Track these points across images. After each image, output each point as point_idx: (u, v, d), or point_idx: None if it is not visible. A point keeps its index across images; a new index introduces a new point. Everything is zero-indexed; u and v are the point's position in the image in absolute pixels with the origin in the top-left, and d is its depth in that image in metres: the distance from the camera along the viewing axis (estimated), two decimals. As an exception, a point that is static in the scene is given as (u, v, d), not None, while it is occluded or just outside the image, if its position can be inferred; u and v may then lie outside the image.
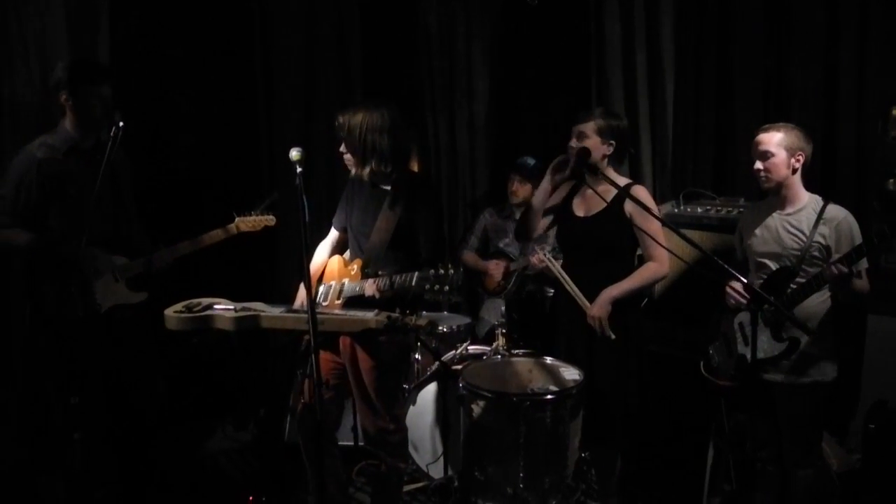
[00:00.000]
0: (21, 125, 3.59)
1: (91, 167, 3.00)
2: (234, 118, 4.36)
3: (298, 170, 2.67)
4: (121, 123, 2.97)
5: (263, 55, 4.44)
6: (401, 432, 3.18)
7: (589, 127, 3.21)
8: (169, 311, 2.80)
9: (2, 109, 3.58)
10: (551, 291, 4.21)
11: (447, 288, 2.75)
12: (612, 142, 3.21)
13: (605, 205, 3.17)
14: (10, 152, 3.38)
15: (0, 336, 3.52)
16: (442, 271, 2.75)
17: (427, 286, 2.77)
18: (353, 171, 3.04)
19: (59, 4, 3.67)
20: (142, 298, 3.30)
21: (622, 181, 3.22)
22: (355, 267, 3.07)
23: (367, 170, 3.00)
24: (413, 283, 2.82)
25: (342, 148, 3.04)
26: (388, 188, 3.09)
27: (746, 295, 2.87)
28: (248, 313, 2.80)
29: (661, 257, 3.16)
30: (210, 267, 3.48)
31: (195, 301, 2.87)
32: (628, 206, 3.14)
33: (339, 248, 3.32)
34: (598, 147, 3.19)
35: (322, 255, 3.32)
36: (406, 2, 4.93)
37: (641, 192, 3.16)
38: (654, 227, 3.11)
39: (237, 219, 3.48)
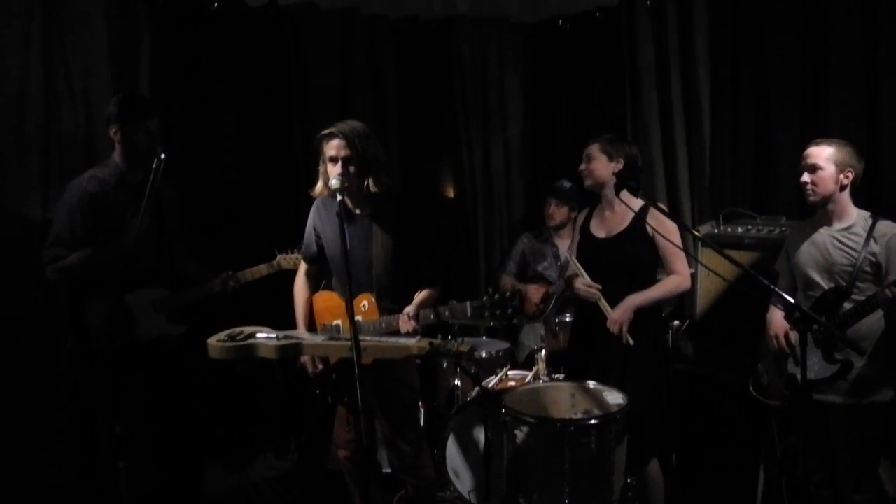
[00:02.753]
0: (67, 162, 3.69)
1: (138, 201, 3.04)
2: (270, 147, 4.40)
3: (339, 198, 2.68)
4: (163, 156, 3.01)
5: (299, 84, 4.49)
6: (421, 455, 3.12)
7: (594, 148, 3.32)
8: (212, 340, 2.81)
9: (49, 147, 3.68)
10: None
11: (510, 311, 2.73)
12: (620, 159, 3.27)
13: (625, 225, 3.23)
14: (57, 188, 3.47)
15: (47, 366, 3.58)
16: (497, 297, 2.73)
17: (486, 314, 2.74)
18: (348, 186, 2.80)
19: (103, 44, 3.79)
20: (181, 331, 3.34)
21: (636, 203, 3.23)
22: (366, 303, 2.97)
23: (369, 182, 2.87)
24: (468, 314, 2.79)
25: (332, 166, 2.86)
26: (369, 212, 2.97)
27: (792, 344, 2.93)
28: (291, 341, 2.80)
29: (684, 271, 3.24)
30: (250, 296, 3.50)
31: (238, 330, 2.88)
32: (650, 224, 3.14)
33: (314, 281, 3.22)
34: (606, 166, 3.28)
35: (305, 293, 3.20)
36: (439, 30, 4.97)
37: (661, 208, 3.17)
38: (676, 240, 3.16)
39: (279, 256, 3.51)
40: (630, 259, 3.24)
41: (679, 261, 3.22)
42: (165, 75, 4.04)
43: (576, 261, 3.39)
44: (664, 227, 3.12)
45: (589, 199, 4.51)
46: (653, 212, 3.14)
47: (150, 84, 3.95)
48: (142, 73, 3.94)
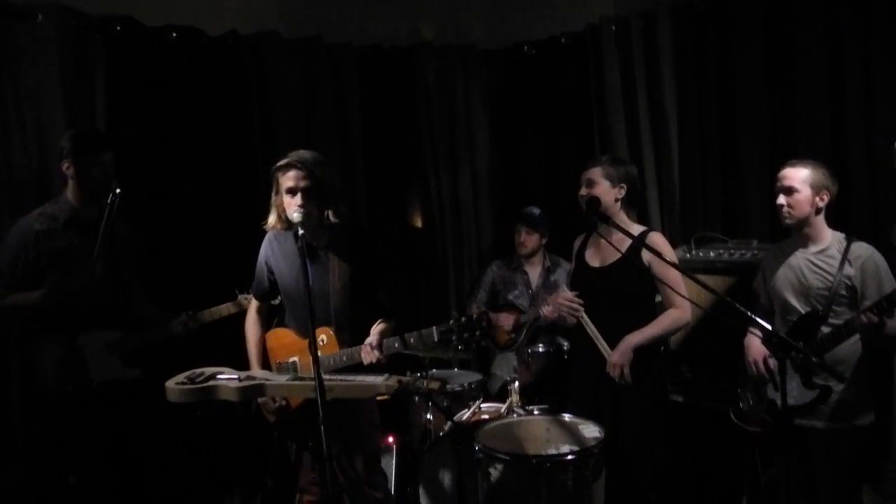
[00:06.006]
0: (17, 197, 3.53)
1: (91, 239, 2.92)
2: (233, 180, 4.25)
3: (300, 232, 2.59)
4: (118, 191, 2.90)
5: (261, 114, 4.38)
6: (388, 499, 3.02)
7: (596, 172, 3.18)
8: (170, 383, 2.68)
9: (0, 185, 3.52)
10: (565, 344, 4.09)
11: (478, 333, 2.63)
12: (623, 185, 3.17)
13: (620, 254, 3.09)
14: (6, 224, 3.31)
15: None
16: (464, 319, 2.64)
17: (453, 338, 2.65)
18: (304, 219, 2.65)
19: (56, 75, 3.64)
20: (135, 375, 3.20)
21: (637, 229, 3.14)
22: (324, 337, 2.86)
23: (329, 213, 2.81)
24: (435, 339, 2.70)
25: (290, 198, 2.77)
26: (325, 243, 2.88)
27: (771, 370, 2.87)
28: (253, 382, 2.68)
29: (683, 304, 3.09)
30: (209, 337, 3.36)
31: (198, 371, 2.75)
32: (646, 255, 3.06)
33: (265, 319, 3.13)
34: (608, 192, 3.16)
35: (257, 331, 3.09)
36: (404, 58, 4.92)
37: (658, 240, 3.10)
38: (673, 274, 3.03)
39: (240, 296, 3.38)
40: (625, 290, 3.13)
41: (677, 293, 3.07)
42: (122, 108, 3.90)
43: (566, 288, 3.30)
44: (659, 261, 2.96)
45: (556, 225, 4.46)
46: (650, 240, 3.02)
47: (106, 117, 3.81)
48: (97, 106, 3.80)
